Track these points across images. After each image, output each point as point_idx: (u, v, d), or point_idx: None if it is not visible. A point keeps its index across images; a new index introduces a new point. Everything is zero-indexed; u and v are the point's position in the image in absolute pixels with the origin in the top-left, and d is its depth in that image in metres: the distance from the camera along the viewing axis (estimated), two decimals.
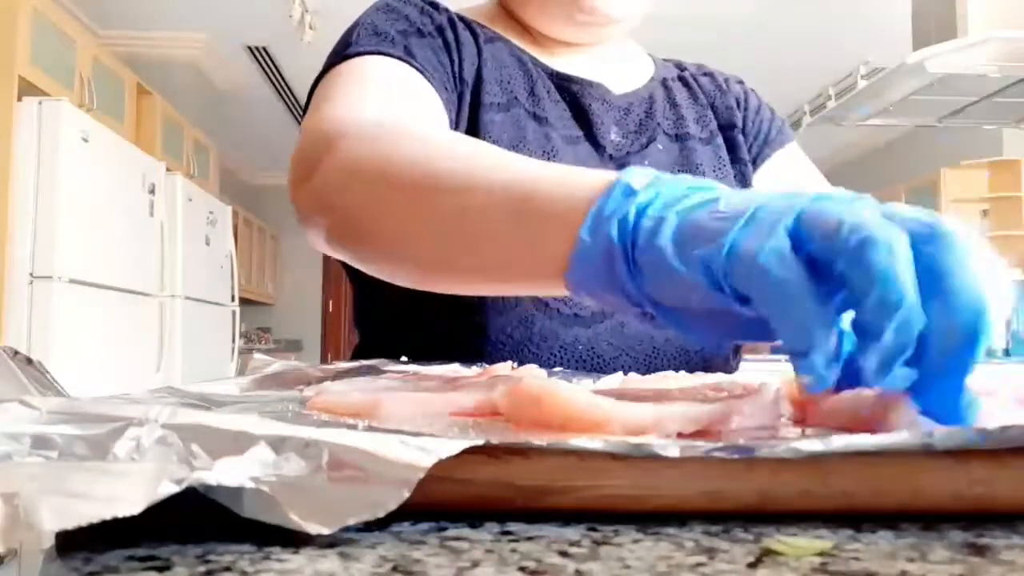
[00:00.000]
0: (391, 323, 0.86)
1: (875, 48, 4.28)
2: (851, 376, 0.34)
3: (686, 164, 0.88)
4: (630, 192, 0.38)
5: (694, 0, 4.08)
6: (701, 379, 0.59)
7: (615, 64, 0.91)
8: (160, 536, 0.26)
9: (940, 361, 0.32)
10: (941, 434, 0.28)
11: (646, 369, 0.81)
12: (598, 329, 0.80)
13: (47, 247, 2.84)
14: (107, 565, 0.24)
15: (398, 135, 0.58)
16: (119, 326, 3.34)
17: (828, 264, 0.32)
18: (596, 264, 0.38)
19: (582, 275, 0.39)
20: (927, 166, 5.44)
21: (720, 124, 0.93)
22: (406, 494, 0.25)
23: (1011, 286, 0.42)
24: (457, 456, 0.27)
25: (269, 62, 5.20)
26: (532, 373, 0.60)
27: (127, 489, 0.24)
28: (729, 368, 0.90)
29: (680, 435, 0.34)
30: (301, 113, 4.90)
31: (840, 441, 0.28)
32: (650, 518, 0.29)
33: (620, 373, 0.70)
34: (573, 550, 0.26)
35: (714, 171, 0.89)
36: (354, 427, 0.33)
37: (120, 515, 0.23)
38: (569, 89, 0.86)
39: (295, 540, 0.26)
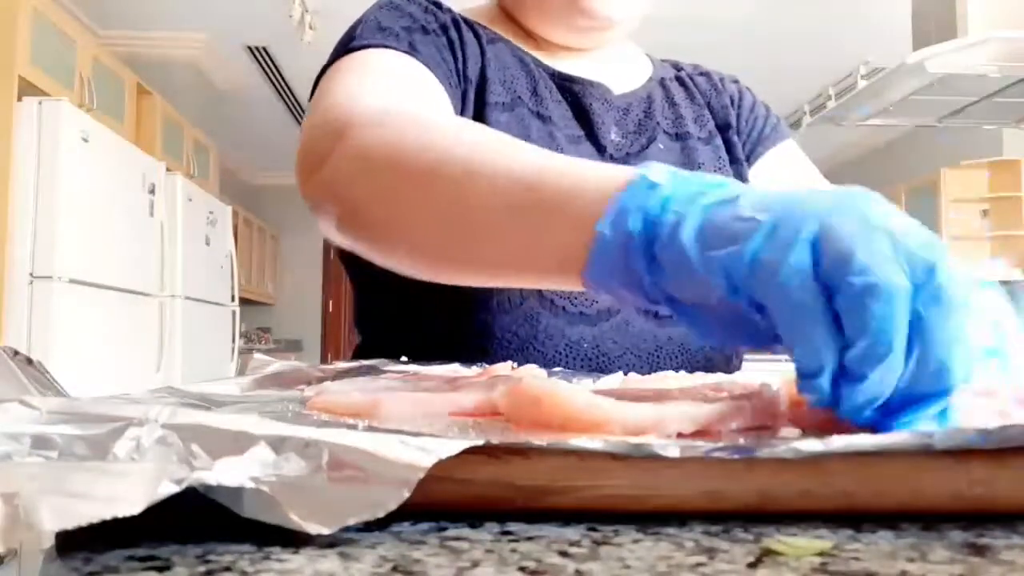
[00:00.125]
0: (391, 323, 0.86)
1: (875, 48, 4.28)
2: None
3: (688, 163, 0.88)
4: (652, 186, 0.38)
5: (694, 1, 4.08)
6: (701, 379, 0.59)
7: (615, 65, 0.91)
8: (160, 536, 0.26)
9: (905, 396, 0.32)
10: (941, 434, 0.28)
11: (650, 367, 0.81)
12: (603, 327, 0.80)
13: (47, 247, 2.84)
14: (107, 565, 0.24)
15: (407, 123, 0.57)
16: (119, 326, 3.34)
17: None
18: (614, 258, 0.38)
19: (600, 269, 0.39)
20: (927, 166, 5.44)
21: (717, 124, 0.93)
22: (406, 494, 0.25)
23: (1013, 333, 0.42)
24: (457, 456, 0.27)
25: (269, 62, 5.20)
26: (532, 373, 0.60)
27: (127, 489, 0.24)
28: (729, 368, 0.90)
29: (680, 435, 0.34)
30: (301, 113, 4.88)
31: (840, 441, 0.28)
32: (650, 518, 0.29)
33: (620, 373, 0.70)
34: (573, 550, 0.26)
35: (715, 170, 0.89)
36: (354, 427, 0.33)
37: (120, 515, 0.23)
38: (571, 89, 0.86)
39: (295, 540, 0.26)
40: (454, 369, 0.68)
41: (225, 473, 0.26)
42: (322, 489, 0.27)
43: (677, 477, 0.29)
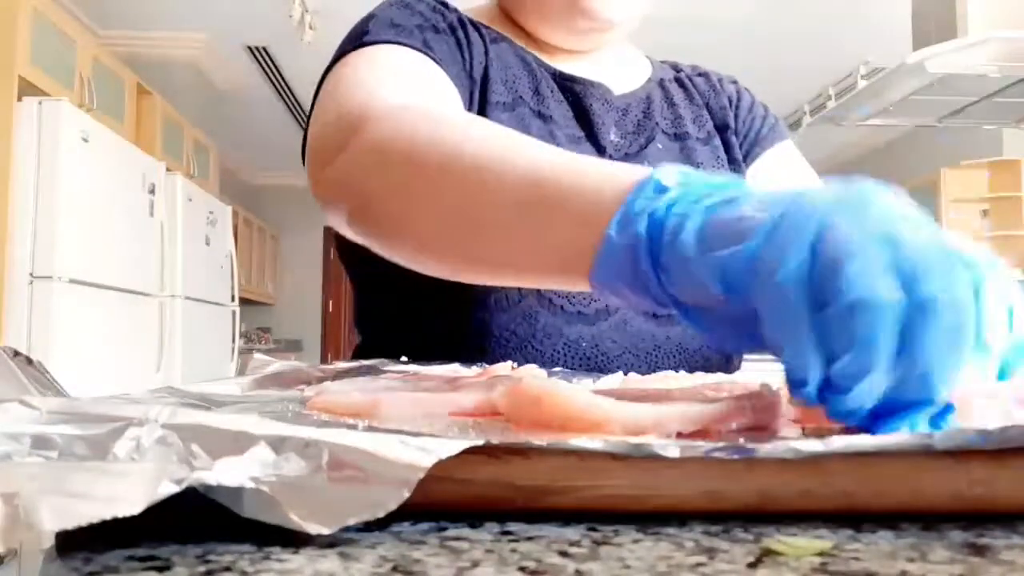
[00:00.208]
0: (391, 323, 0.86)
1: (875, 48, 4.28)
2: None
3: (686, 164, 0.88)
4: (661, 189, 0.38)
5: (693, 1, 4.08)
6: (701, 379, 0.59)
7: (614, 66, 0.91)
8: (160, 536, 0.26)
9: (891, 402, 0.32)
10: (941, 434, 0.28)
11: (648, 367, 0.81)
12: (601, 327, 0.80)
13: (47, 247, 2.84)
14: (107, 565, 0.24)
15: (421, 118, 0.57)
16: (119, 326, 3.34)
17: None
18: (621, 261, 0.38)
19: (606, 271, 0.40)
20: (927, 166, 5.44)
21: (715, 124, 0.93)
22: (406, 494, 0.25)
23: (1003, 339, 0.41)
24: (457, 456, 0.27)
25: (269, 62, 5.20)
26: (532, 373, 0.60)
27: (127, 489, 0.24)
28: (729, 368, 0.90)
29: (680, 435, 0.34)
30: (301, 113, 4.88)
31: (840, 441, 0.28)
32: (650, 518, 0.29)
33: (620, 373, 0.70)
34: (573, 550, 0.26)
35: (714, 171, 0.89)
36: (354, 427, 0.33)
37: (120, 515, 0.23)
38: (572, 89, 0.86)
39: (295, 540, 0.26)
40: (454, 369, 0.68)
41: (225, 473, 0.26)
42: (322, 489, 0.27)
43: (677, 477, 0.29)
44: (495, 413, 0.41)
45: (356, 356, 0.85)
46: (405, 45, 0.74)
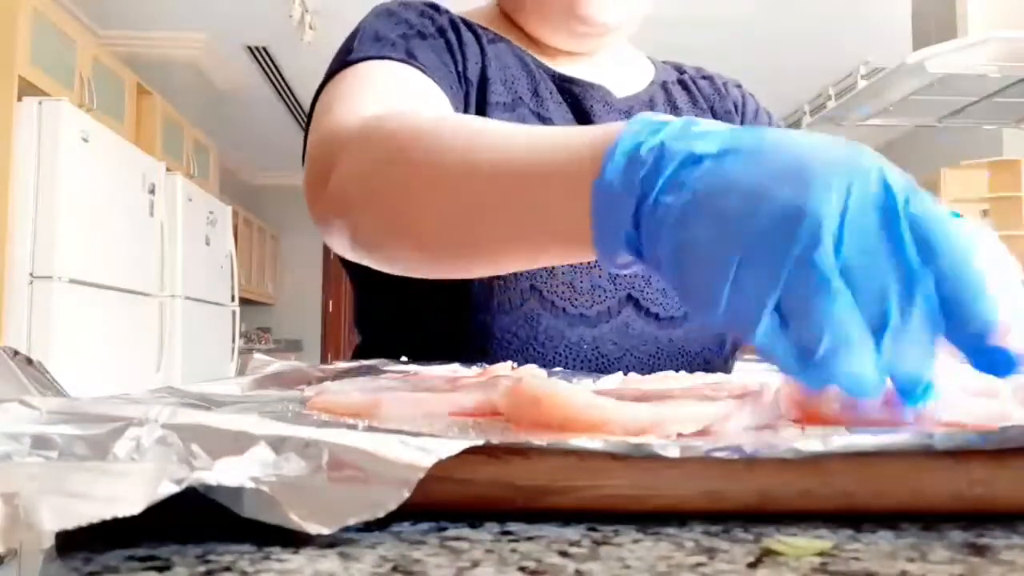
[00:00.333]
0: (391, 323, 0.86)
1: (875, 48, 4.28)
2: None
3: None
4: (631, 154, 0.37)
5: (694, 1, 4.08)
6: (701, 379, 0.59)
7: (615, 68, 0.91)
8: (160, 536, 0.26)
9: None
10: (941, 434, 0.28)
11: (649, 369, 0.81)
12: (603, 329, 0.80)
13: (47, 247, 2.84)
14: (107, 565, 0.24)
15: (400, 129, 0.57)
16: (119, 326, 3.34)
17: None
18: (613, 226, 0.37)
19: (607, 255, 0.39)
20: (927, 166, 5.44)
21: None
22: (406, 494, 0.25)
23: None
24: (457, 456, 0.27)
25: (269, 62, 5.20)
26: (532, 373, 0.60)
27: (127, 489, 0.24)
28: (728, 369, 0.90)
29: (680, 435, 0.34)
30: (301, 113, 4.86)
31: (840, 441, 0.28)
32: (650, 518, 0.29)
33: (620, 373, 0.70)
34: (573, 550, 0.26)
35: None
36: (354, 427, 0.33)
37: (120, 515, 0.23)
38: (571, 91, 0.86)
39: (295, 540, 0.26)
40: (454, 369, 0.68)
41: (225, 473, 0.26)
42: (322, 489, 0.27)
43: (677, 477, 0.29)
44: (495, 413, 0.41)
45: (356, 356, 0.85)
46: (388, 59, 0.74)
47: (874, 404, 0.33)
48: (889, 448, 0.28)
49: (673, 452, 0.28)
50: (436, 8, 0.84)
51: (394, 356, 0.76)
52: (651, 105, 0.90)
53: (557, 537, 0.27)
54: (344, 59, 0.75)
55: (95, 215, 3.09)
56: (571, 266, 0.79)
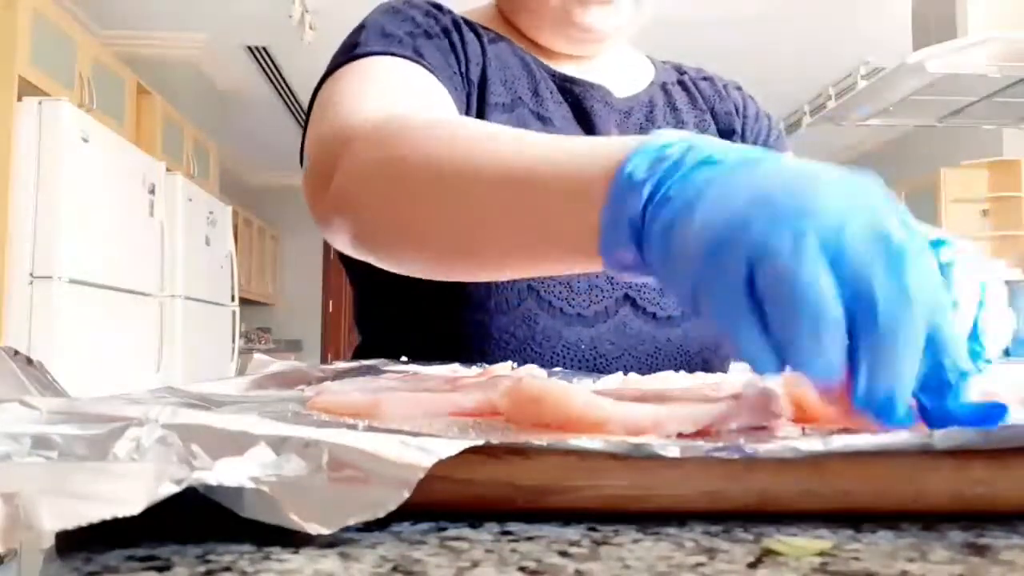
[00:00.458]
0: (391, 323, 0.86)
1: (875, 48, 4.28)
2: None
3: None
4: (638, 182, 0.37)
5: (694, 2, 4.09)
6: (701, 379, 0.59)
7: (615, 69, 0.91)
8: (160, 536, 0.26)
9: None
10: (941, 434, 0.28)
11: (647, 369, 0.81)
12: (600, 329, 0.80)
13: (47, 247, 2.84)
14: (107, 565, 0.24)
15: (409, 130, 0.57)
16: (119, 326, 3.34)
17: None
18: (620, 243, 0.38)
19: (615, 268, 0.40)
20: (927, 166, 5.44)
21: (719, 129, 0.93)
22: (406, 494, 0.25)
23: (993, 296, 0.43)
24: (457, 456, 0.27)
25: (269, 62, 5.20)
26: (532, 373, 0.60)
27: (127, 489, 0.24)
28: (727, 370, 0.90)
29: (680, 435, 0.34)
30: (301, 113, 4.84)
31: (840, 441, 0.28)
32: (650, 518, 0.29)
33: (620, 373, 0.70)
34: (573, 550, 0.26)
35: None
36: (354, 427, 0.33)
37: (120, 515, 0.23)
38: (571, 91, 0.86)
39: (295, 540, 0.26)
40: (454, 369, 0.68)
41: (225, 473, 0.26)
42: (322, 489, 0.27)
43: (677, 477, 0.29)
44: (495, 413, 0.41)
45: (356, 356, 0.85)
46: (395, 55, 0.73)
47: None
48: (889, 448, 0.28)
49: (673, 452, 0.28)
50: (440, 8, 0.84)
51: (394, 356, 0.76)
52: (651, 105, 0.90)
53: (557, 537, 0.27)
54: (349, 54, 0.74)
55: (95, 215, 3.09)
56: None
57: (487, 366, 0.67)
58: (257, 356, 0.67)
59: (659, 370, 0.81)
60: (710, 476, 0.29)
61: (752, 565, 0.24)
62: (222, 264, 4.70)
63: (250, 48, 4.98)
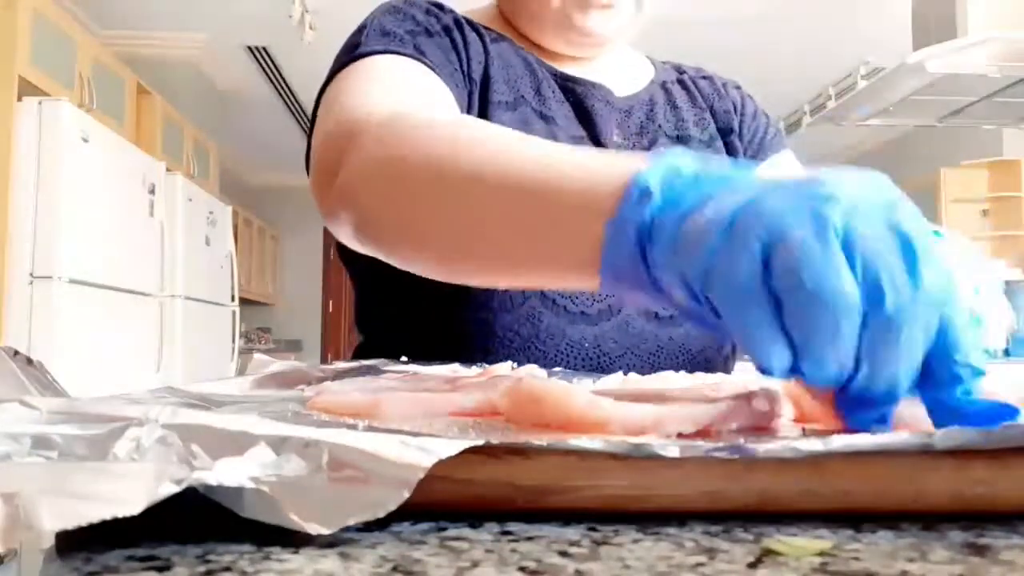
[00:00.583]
0: (392, 323, 0.86)
1: (875, 48, 4.28)
2: None
3: None
4: (647, 194, 0.38)
5: (694, 1, 4.09)
6: (701, 379, 0.59)
7: (616, 68, 0.91)
8: (160, 536, 0.26)
9: (856, 397, 0.33)
10: (941, 434, 0.28)
11: (650, 368, 0.81)
12: (604, 327, 0.80)
13: (47, 247, 2.84)
14: (107, 565, 0.24)
15: (414, 127, 0.58)
16: (119, 326, 3.34)
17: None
18: (623, 270, 0.39)
19: (612, 281, 0.40)
20: (927, 166, 5.44)
21: (718, 127, 0.94)
22: (406, 494, 0.25)
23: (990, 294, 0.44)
24: (457, 456, 0.27)
25: (269, 62, 5.20)
26: (532, 373, 0.60)
27: (127, 489, 0.24)
28: (729, 368, 0.90)
29: (680, 435, 0.34)
30: (301, 113, 4.83)
31: (840, 441, 0.28)
32: (650, 518, 0.29)
33: (620, 373, 0.70)
34: (573, 550, 0.26)
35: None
36: (354, 427, 0.33)
37: (120, 515, 0.23)
38: (573, 90, 0.86)
39: (295, 540, 0.26)
40: (454, 369, 0.68)
41: (225, 473, 0.26)
42: (322, 489, 0.27)
43: (677, 477, 0.29)
44: (495, 413, 0.41)
45: (356, 356, 0.85)
46: (397, 53, 0.74)
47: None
48: (889, 448, 0.28)
49: (673, 452, 0.28)
50: (441, 7, 0.84)
51: (394, 356, 0.76)
52: (651, 104, 0.91)
53: (557, 537, 0.27)
54: (352, 53, 0.75)
55: (95, 215, 3.09)
56: None
57: (487, 366, 0.67)
58: (257, 356, 0.67)
59: (661, 369, 0.81)
60: (710, 476, 0.29)
61: (752, 565, 0.24)
62: (222, 264, 4.70)
63: (250, 48, 4.98)
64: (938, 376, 0.32)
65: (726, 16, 4.38)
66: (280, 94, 5.76)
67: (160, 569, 0.23)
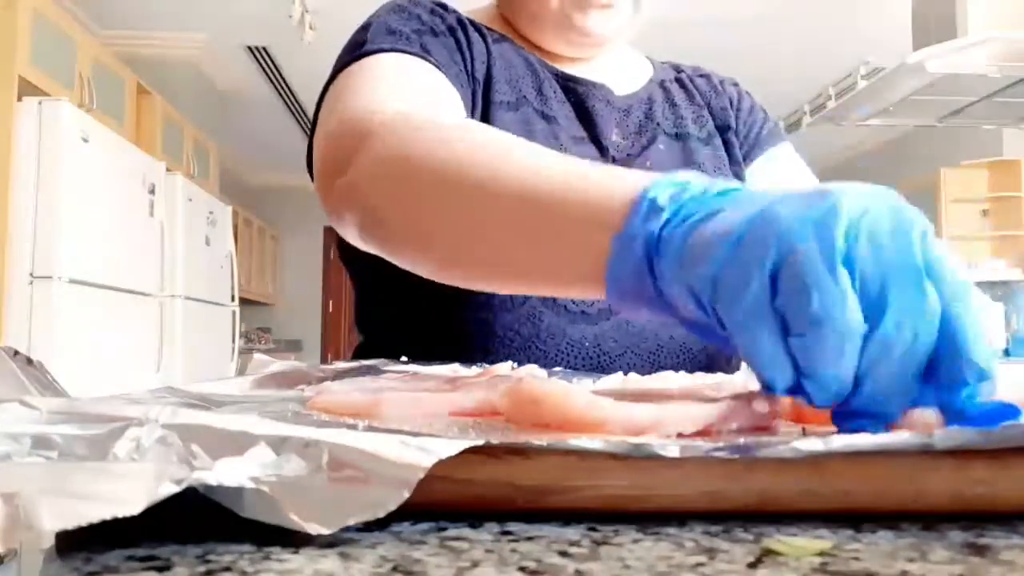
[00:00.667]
0: (392, 323, 0.86)
1: (875, 48, 4.28)
2: None
3: (688, 163, 0.88)
4: (656, 209, 0.38)
5: (694, 2, 4.09)
6: (701, 379, 0.59)
7: (615, 67, 0.92)
8: (160, 536, 0.26)
9: (855, 409, 0.33)
10: (941, 434, 0.28)
11: (650, 367, 0.81)
12: (604, 327, 0.80)
13: (47, 247, 2.84)
14: (107, 565, 0.24)
15: (424, 129, 0.58)
16: (119, 326, 3.34)
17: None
18: (629, 286, 0.39)
19: (616, 292, 0.40)
20: (927, 166, 5.44)
21: (716, 125, 0.94)
22: (406, 494, 0.25)
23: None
24: (457, 456, 0.27)
25: (269, 62, 5.20)
26: (532, 373, 0.60)
27: (127, 489, 0.24)
28: (730, 368, 0.90)
29: (680, 435, 0.34)
30: (301, 113, 4.83)
31: (840, 441, 0.28)
32: (650, 518, 0.29)
33: (620, 373, 0.70)
34: (573, 550, 0.26)
35: (715, 171, 0.89)
36: (354, 427, 0.33)
37: (120, 515, 0.23)
38: (575, 90, 0.87)
39: (295, 540, 0.26)
40: (454, 369, 0.68)
41: (225, 473, 0.26)
42: (322, 489, 0.27)
43: (677, 477, 0.29)
44: (495, 413, 0.41)
45: (356, 356, 0.85)
46: (403, 52, 0.74)
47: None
48: (889, 448, 0.28)
49: (673, 452, 0.28)
50: (445, 7, 0.84)
51: (394, 356, 0.76)
52: (650, 103, 0.91)
53: (557, 537, 0.27)
54: (356, 52, 0.74)
55: (95, 215, 3.09)
56: None
57: (487, 366, 0.67)
58: (257, 356, 0.67)
59: (662, 368, 0.81)
60: (710, 476, 0.29)
61: (752, 565, 0.24)
62: (222, 264, 4.70)
63: (250, 48, 4.98)
64: (945, 379, 0.32)
65: (725, 17, 4.38)
66: (280, 94, 5.76)
67: (160, 569, 0.23)
